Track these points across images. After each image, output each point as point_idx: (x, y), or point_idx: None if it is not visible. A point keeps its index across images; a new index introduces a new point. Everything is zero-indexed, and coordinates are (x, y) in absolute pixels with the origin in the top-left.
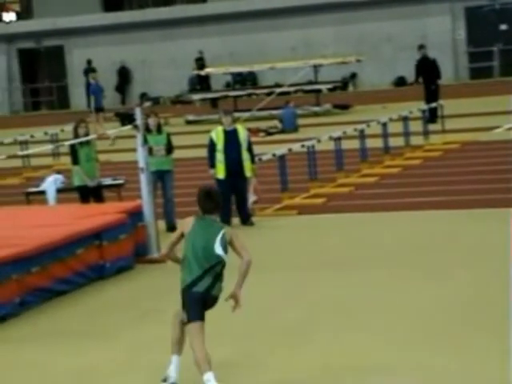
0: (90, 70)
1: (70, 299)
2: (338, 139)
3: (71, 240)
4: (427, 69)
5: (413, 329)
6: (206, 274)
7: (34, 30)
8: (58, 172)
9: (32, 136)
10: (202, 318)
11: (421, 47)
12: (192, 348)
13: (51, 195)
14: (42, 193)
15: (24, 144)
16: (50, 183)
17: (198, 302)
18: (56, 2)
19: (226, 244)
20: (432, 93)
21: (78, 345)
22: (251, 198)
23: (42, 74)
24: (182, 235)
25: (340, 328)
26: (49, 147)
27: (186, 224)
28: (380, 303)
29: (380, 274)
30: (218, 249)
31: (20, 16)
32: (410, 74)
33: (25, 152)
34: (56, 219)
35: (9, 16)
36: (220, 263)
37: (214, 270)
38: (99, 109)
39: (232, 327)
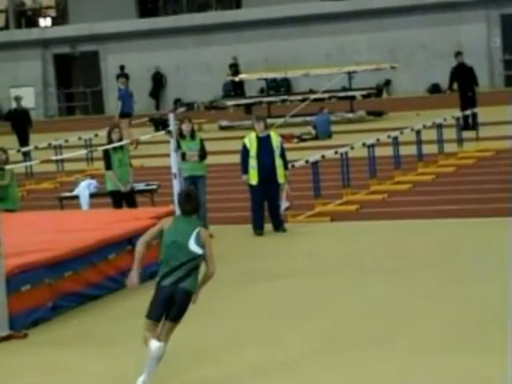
0: (122, 75)
1: (101, 304)
2: (371, 146)
3: (103, 245)
4: (463, 76)
5: (446, 334)
6: (176, 269)
7: (69, 36)
8: (92, 177)
9: (66, 141)
10: (157, 319)
11: (458, 54)
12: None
13: (84, 200)
14: (76, 197)
15: (58, 149)
16: (84, 188)
17: (162, 302)
18: (92, 7)
19: (201, 241)
20: (469, 100)
21: (109, 350)
22: (284, 204)
23: (77, 80)
24: (162, 231)
25: (377, 334)
26: (83, 152)
27: (166, 221)
28: (414, 309)
29: (414, 280)
30: (193, 246)
31: (56, 21)
32: (444, 81)
33: (59, 157)
34: (89, 224)
35: (45, 21)
36: (194, 260)
37: (187, 265)
38: (127, 114)
39: (267, 332)
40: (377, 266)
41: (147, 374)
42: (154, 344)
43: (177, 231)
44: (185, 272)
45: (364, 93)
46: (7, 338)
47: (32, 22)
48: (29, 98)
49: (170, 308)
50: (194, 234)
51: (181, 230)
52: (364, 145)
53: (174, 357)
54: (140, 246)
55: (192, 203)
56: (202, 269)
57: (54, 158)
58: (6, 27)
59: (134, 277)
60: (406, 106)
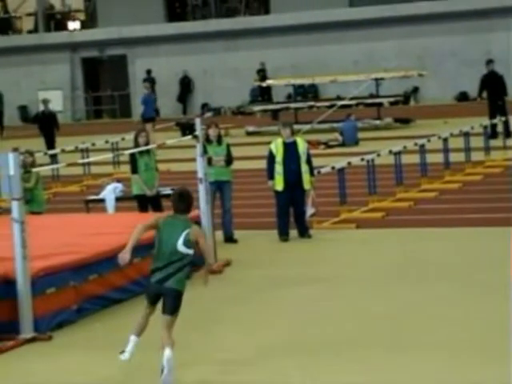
0: (148, 79)
1: (125, 307)
2: (398, 153)
3: None
4: (494, 84)
5: (474, 343)
6: (165, 267)
7: (98, 39)
8: (118, 180)
9: (93, 144)
10: (151, 303)
11: (489, 62)
12: None
13: (110, 203)
14: (102, 201)
15: (85, 152)
16: (110, 191)
17: (151, 295)
18: (120, 11)
19: (190, 242)
20: (498, 108)
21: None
22: (309, 210)
23: (105, 83)
24: (154, 227)
25: (401, 340)
26: (109, 156)
27: (161, 218)
28: (440, 316)
29: (439, 289)
30: (181, 246)
31: (84, 25)
32: (472, 89)
33: (85, 160)
34: (114, 227)
35: (73, 25)
36: (182, 259)
37: (176, 264)
38: (150, 119)
39: (293, 338)
40: (402, 274)
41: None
42: (131, 341)
43: (167, 230)
44: (172, 270)
45: (391, 100)
46: (32, 340)
47: (61, 26)
48: (57, 101)
49: (158, 301)
50: (183, 235)
51: (171, 230)
52: (391, 152)
53: (195, 361)
54: (138, 229)
55: (185, 202)
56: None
57: (80, 161)
58: (35, 30)
59: (126, 253)
60: (433, 114)
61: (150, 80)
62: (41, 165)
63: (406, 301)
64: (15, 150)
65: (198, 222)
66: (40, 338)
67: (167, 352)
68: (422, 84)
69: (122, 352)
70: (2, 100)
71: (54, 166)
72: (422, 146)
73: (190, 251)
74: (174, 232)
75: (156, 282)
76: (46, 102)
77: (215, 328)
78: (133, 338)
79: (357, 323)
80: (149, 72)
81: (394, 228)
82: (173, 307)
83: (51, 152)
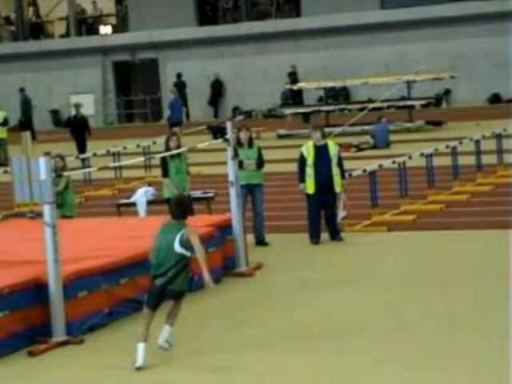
0: (178, 83)
1: (157, 311)
2: (429, 156)
3: None
4: None
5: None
6: (165, 273)
7: (129, 43)
8: (149, 184)
9: (124, 148)
10: (152, 308)
11: None
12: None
13: (142, 207)
14: (133, 204)
15: (116, 156)
16: (141, 195)
17: (154, 294)
18: (152, 15)
19: (185, 242)
20: None
21: (163, 356)
22: (341, 213)
23: (136, 87)
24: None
25: (437, 345)
26: (140, 159)
27: (159, 226)
28: (473, 321)
29: (472, 291)
30: (178, 248)
31: (116, 29)
32: (505, 90)
33: (117, 164)
34: (146, 231)
35: (105, 29)
36: (181, 261)
37: (176, 268)
38: (176, 123)
39: (323, 342)
40: (434, 277)
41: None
42: (140, 348)
43: (163, 237)
44: (173, 274)
45: (423, 102)
46: (64, 344)
47: (92, 30)
48: (88, 105)
49: (161, 303)
50: (178, 236)
51: (167, 235)
52: (422, 154)
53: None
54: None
55: (181, 208)
56: None
57: (112, 164)
58: (67, 35)
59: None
60: (465, 116)
61: (180, 84)
62: (72, 169)
63: (439, 305)
64: (47, 154)
65: (228, 225)
66: (72, 341)
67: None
68: (453, 86)
69: (134, 362)
70: (31, 105)
71: (86, 170)
72: (454, 148)
73: (187, 252)
74: (170, 235)
75: (160, 285)
76: (77, 106)
77: (245, 330)
78: (141, 344)
79: (391, 326)
80: (179, 76)
81: (426, 230)
82: (178, 300)
83: (83, 156)
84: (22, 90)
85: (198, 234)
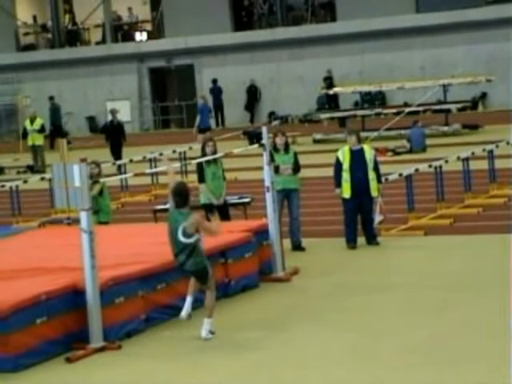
0: (214, 88)
1: (194, 316)
2: (466, 160)
3: None
4: None
5: None
6: (178, 254)
7: (164, 49)
8: None
9: (161, 154)
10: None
11: None
12: None
13: None
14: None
15: (153, 162)
16: None
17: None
18: (187, 21)
19: (188, 233)
20: None
21: (201, 362)
22: (377, 217)
23: (172, 93)
24: None
25: (472, 349)
26: (177, 165)
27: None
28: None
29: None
30: (181, 238)
31: (151, 35)
32: None
33: (153, 170)
34: None
35: (141, 35)
36: (187, 247)
37: (185, 251)
38: (204, 129)
39: (361, 346)
40: (472, 282)
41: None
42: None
43: (170, 225)
44: (185, 256)
45: (459, 106)
46: (102, 350)
47: (128, 36)
48: (125, 112)
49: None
50: (181, 228)
51: (172, 225)
52: (459, 158)
53: (270, 365)
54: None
55: (181, 197)
56: None
57: (148, 171)
58: (103, 41)
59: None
60: (501, 120)
61: (216, 89)
62: (108, 175)
63: (475, 309)
64: (83, 160)
65: (265, 230)
66: (109, 347)
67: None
68: (490, 89)
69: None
70: (60, 113)
71: (122, 176)
72: (491, 151)
73: (191, 239)
74: (175, 224)
75: (179, 265)
76: (114, 112)
77: (281, 335)
78: (188, 298)
79: (430, 331)
80: (215, 81)
81: (463, 235)
82: (201, 280)
83: (119, 162)
84: (51, 98)
85: (198, 220)
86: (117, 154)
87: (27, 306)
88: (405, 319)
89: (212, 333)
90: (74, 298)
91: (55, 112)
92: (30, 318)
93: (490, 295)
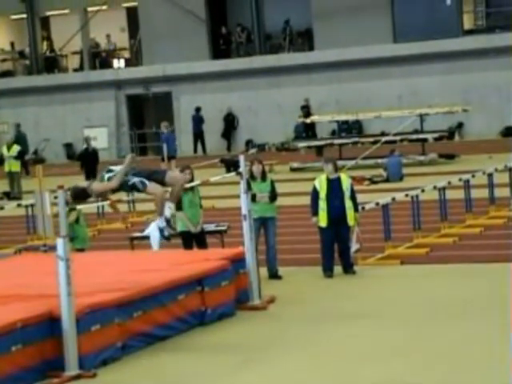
0: (197, 117)
1: (170, 344)
2: (442, 189)
3: (173, 285)
4: None
5: None
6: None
7: (142, 77)
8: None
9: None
10: None
11: None
12: None
13: (155, 240)
14: (146, 238)
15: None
16: (154, 228)
17: None
18: (165, 49)
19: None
20: None
21: None
22: (354, 246)
23: (150, 120)
24: None
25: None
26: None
27: None
28: (490, 357)
29: (488, 326)
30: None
31: (129, 63)
32: None
33: (130, 197)
34: (159, 264)
35: (118, 63)
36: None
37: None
38: (170, 157)
39: (338, 375)
40: (448, 311)
41: None
42: None
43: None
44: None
45: (436, 135)
46: (77, 378)
47: (106, 63)
48: (102, 139)
49: None
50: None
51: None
52: (435, 187)
53: None
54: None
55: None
56: None
57: (124, 198)
58: (81, 68)
59: None
60: (478, 149)
61: (197, 118)
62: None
63: (453, 339)
64: (60, 187)
65: (242, 258)
66: (85, 375)
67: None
68: (466, 119)
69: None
70: (26, 140)
71: (99, 204)
72: (467, 181)
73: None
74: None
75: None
76: (88, 139)
77: (257, 363)
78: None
79: (403, 362)
80: (198, 109)
81: (439, 264)
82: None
83: None
84: (17, 126)
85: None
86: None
87: (2, 333)
88: (380, 349)
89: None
90: (49, 325)
91: (20, 139)
92: (6, 345)
93: (464, 325)
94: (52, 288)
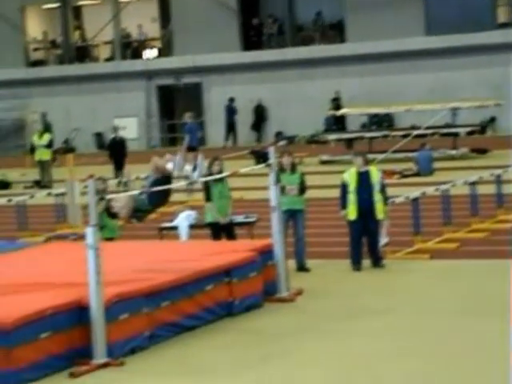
0: (230, 107)
1: (197, 335)
2: (473, 184)
3: (201, 276)
4: None
5: None
6: None
7: (173, 67)
8: (191, 208)
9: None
10: None
11: None
12: None
13: (184, 231)
14: (175, 228)
15: None
16: (183, 219)
17: None
18: (196, 39)
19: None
20: None
21: (203, 381)
22: (383, 239)
23: (180, 111)
24: None
25: (480, 376)
26: (183, 183)
27: None
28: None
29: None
30: None
31: (160, 53)
32: None
33: (159, 188)
34: (187, 255)
35: (149, 53)
36: None
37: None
38: (193, 148)
39: (366, 371)
40: (477, 308)
41: None
42: None
43: None
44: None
45: (468, 129)
46: (105, 366)
47: (137, 54)
48: (132, 129)
49: None
50: None
51: None
52: (466, 182)
53: None
54: None
55: None
56: None
57: (154, 188)
58: (112, 58)
59: None
60: (510, 144)
61: (230, 108)
62: (115, 192)
63: (481, 335)
64: (90, 176)
65: (270, 250)
66: (113, 363)
67: None
68: (499, 114)
69: None
70: (51, 130)
71: (128, 194)
72: (498, 176)
73: None
74: None
75: None
76: (116, 129)
77: (283, 356)
78: None
79: (431, 357)
80: (231, 100)
81: (469, 259)
82: None
83: (125, 179)
84: (44, 115)
85: None
86: (118, 170)
87: (32, 320)
88: (406, 343)
89: None
90: (78, 313)
91: (47, 129)
92: (35, 332)
93: (493, 321)
94: (81, 276)
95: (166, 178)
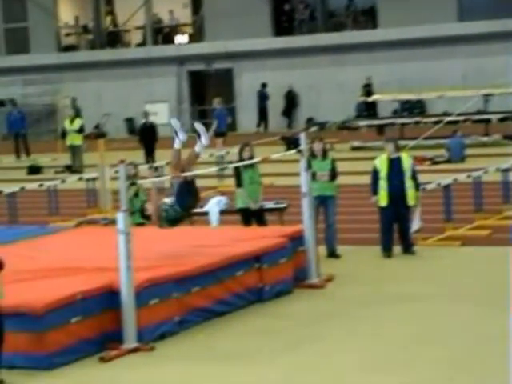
0: (263, 93)
1: (227, 320)
2: (505, 171)
3: (231, 262)
4: None
5: None
6: None
7: (204, 53)
8: (222, 194)
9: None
10: None
11: None
12: None
13: (214, 216)
14: (206, 214)
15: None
16: (214, 204)
17: None
18: (227, 25)
19: None
20: None
21: (233, 366)
22: (415, 225)
23: (211, 97)
24: None
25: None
26: (214, 169)
27: None
28: None
29: None
30: None
31: (192, 38)
32: None
33: (190, 173)
34: (217, 241)
35: (181, 38)
36: None
37: None
38: (221, 134)
39: (396, 356)
40: (507, 296)
41: None
42: None
43: None
44: None
45: (500, 116)
46: (135, 351)
47: (168, 39)
48: (163, 114)
49: None
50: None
51: None
52: (498, 169)
53: (303, 372)
54: None
55: None
56: None
57: (184, 174)
58: (144, 43)
59: None
60: None
61: (262, 94)
62: (145, 177)
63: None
64: (121, 161)
65: (300, 236)
66: (143, 348)
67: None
68: None
69: None
70: (80, 115)
71: (159, 179)
72: None
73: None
74: None
75: None
76: (146, 114)
77: (314, 342)
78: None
79: (459, 343)
80: (264, 85)
81: (501, 246)
82: None
83: (156, 164)
84: (73, 100)
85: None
86: (149, 155)
87: (63, 305)
88: (438, 328)
89: None
90: (109, 298)
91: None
92: (65, 317)
93: None
94: (112, 261)
95: (189, 183)
